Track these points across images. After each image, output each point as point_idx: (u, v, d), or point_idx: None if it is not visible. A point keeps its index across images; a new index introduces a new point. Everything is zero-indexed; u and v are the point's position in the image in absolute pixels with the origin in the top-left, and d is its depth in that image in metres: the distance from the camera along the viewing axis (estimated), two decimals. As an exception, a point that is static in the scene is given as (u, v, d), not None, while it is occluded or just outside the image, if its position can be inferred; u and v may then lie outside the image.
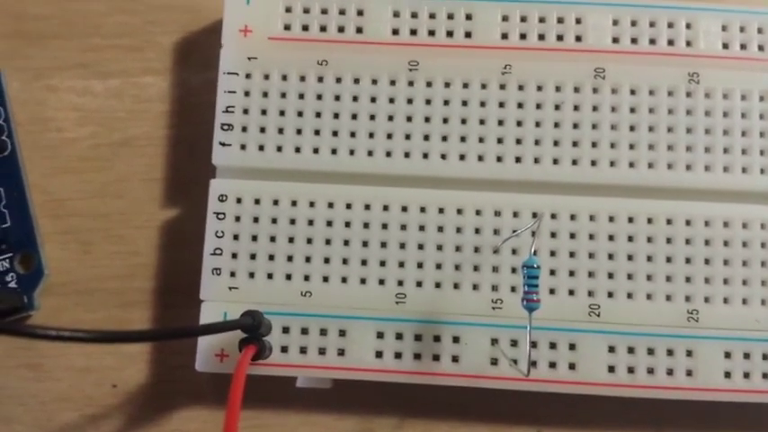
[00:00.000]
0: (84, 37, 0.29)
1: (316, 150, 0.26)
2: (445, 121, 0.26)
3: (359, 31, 0.27)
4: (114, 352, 0.27)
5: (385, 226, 0.26)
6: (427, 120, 0.26)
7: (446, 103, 0.26)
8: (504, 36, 0.27)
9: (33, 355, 0.27)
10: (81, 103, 0.29)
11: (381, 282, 0.26)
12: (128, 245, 0.28)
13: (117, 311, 0.27)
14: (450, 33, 0.27)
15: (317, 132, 0.26)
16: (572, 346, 0.25)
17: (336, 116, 0.26)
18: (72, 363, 0.27)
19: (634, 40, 0.27)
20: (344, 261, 0.26)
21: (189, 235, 0.27)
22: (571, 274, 0.26)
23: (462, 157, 0.26)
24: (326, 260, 0.26)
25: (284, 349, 0.25)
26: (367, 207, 0.26)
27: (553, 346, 0.25)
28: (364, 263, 0.26)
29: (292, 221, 0.26)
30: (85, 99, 0.29)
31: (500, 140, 0.26)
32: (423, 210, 0.26)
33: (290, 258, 0.26)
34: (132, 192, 0.28)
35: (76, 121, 0.29)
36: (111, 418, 0.27)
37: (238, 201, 0.26)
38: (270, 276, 0.26)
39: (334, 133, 0.26)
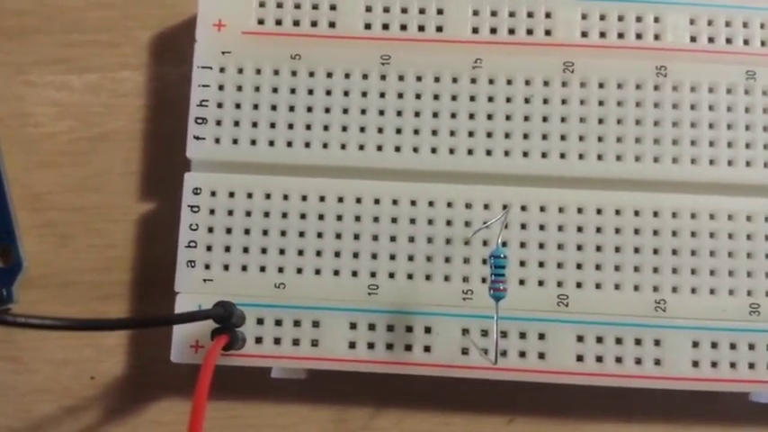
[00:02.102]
0: (62, 32, 0.29)
1: (289, 144, 0.27)
2: (417, 114, 0.27)
3: (331, 25, 0.27)
4: (92, 344, 0.28)
5: (358, 218, 0.26)
6: (399, 113, 0.27)
7: (418, 96, 0.27)
8: (475, 30, 0.27)
9: (12, 347, 0.28)
10: (59, 98, 0.29)
11: (354, 273, 0.26)
12: (105, 238, 0.28)
13: (94, 304, 0.28)
14: (421, 28, 0.27)
15: (290, 126, 0.27)
16: (541, 336, 0.25)
17: (310, 110, 0.27)
18: (50, 355, 0.28)
19: (603, 34, 0.27)
20: (318, 253, 0.26)
21: (165, 228, 0.27)
22: (540, 264, 0.26)
23: (434, 150, 0.26)
24: (300, 252, 0.26)
25: (259, 340, 0.26)
26: (340, 200, 0.26)
27: (523, 335, 0.26)
28: (337, 255, 0.26)
29: (266, 214, 0.26)
30: (63, 94, 0.29)
31: (471, 134, 0.26)
32: (395, 202, 0.26)
33: (264, 251, 0.26)
34: (109, 186, 0.28)
35: (55, 115, 0.29)
36: (90, 410, 0.28)
37: (213, 194, 0.26)
38: (244, 268, 0.26)
39: (308, 127, 0.27)
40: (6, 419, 0.27)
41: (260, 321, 0.26)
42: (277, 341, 0.26)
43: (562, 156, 0.26)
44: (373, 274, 0.26)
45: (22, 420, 0.27)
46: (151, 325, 0.25)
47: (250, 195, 0.26)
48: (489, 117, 0.26)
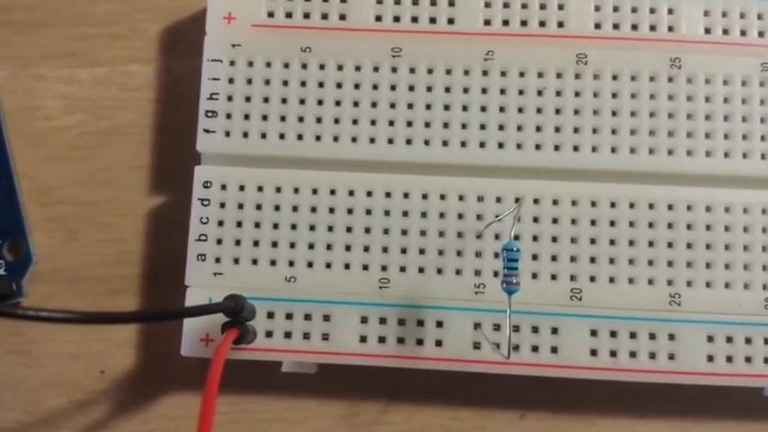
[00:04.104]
0: (71, 26, 0.29)
1: (300, 137, 0.26)
2: (428, 107, 0.26)
3: (342, 17, 0.27)
4: (102, 338, 0.28)
5: (369, 211, 0.26)
6: (410, 106, 0.26)
7: (429, 89, 0.26)
8: (487, 22, 0.27)
9: (22, 341, 0.28)
10: (68, 91, 0.29)
11: (365, 267, 0.26)
12: (114, 232, 0.28)
13: (104, 298, 0.28)
14: (433, 20, 0.27)
15: (300, 119, 0.26)
16: (554, 330, 0.25)
17: (320, 103, 0.26)
18: (60, 349, 0.28)
19: (616, 26, 0.27)
20: (329, 247, 0.26)
21: (175, 222, 0.27)
22: (553, 258, 0.26)
23: (445, 143, 0.26)
24: (311, 246, 0.26)
25: (269, 334, 0.26)
26: (351, 193, 0.26)
27: (535, 329, 0.25)
28: (348, 248, 0.26)
29: (277, 207, 0.26)
30: (73, 87, 0.29)
31: (483, 126, 0.26)
32: (406, 195, 0.26)
33: (274, 244, 0.26)
34: (119, 179, 0.28)
35: (64, 109, 0.29)
36: (99, 404, 0.27)
37: (223, 187, 0.26)
38: (254, 262, 0.26)
39: (318, 120, 0.26)
40: (16, 414, 0.27)
41: (270, 315, 0.26)
42: (287, 335, 0.26)
43: (575, 148, 0.26)
44: (384, 268, 0.26)
45: (31, 414, 0.27)
46: (161, 318, 0.25)
47: (260, 189, 0.26)
48: (501, 109, 0.26)
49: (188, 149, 0.27)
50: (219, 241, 0.26)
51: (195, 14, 0.29)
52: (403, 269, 0.26)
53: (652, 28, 0.27)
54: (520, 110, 0.26)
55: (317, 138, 0.26)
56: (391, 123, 0.26)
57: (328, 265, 0.26)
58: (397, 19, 0.27)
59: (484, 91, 0.26)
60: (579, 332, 0.25)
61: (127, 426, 0.27)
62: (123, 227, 0.28)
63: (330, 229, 0.26)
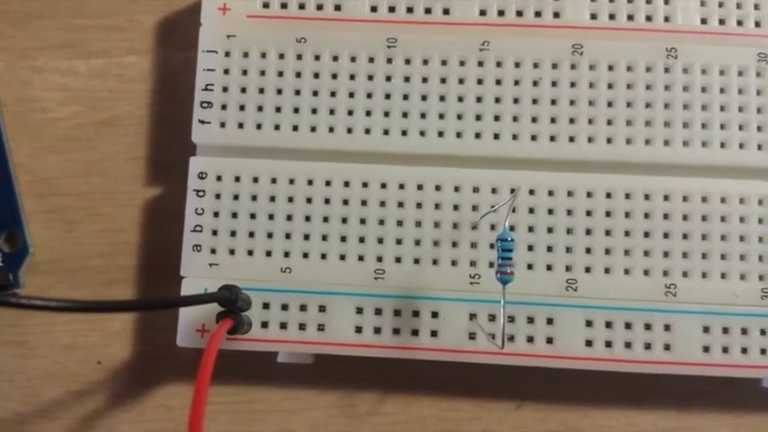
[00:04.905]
0: (68, 17, 0.29)
1: (295, 128, 0.26)
2: (424, 98, 0.26)
3: (337, 8, 0.27)
4: (99, 329, 0.28)
5: (364, 202, 0.26)
6: (406, 97, 0.26)
7: (424, 80, 0.26)
8: (483, 12, 0.27)
9: (19, 332, 0.28)
10: (65, 83, 0.29)
11: (361, 258, 0.26)
12: (111, 223, 0.28)
13: (101, 289, 0.28)
14: (428, 10, 0.27)
15: (296, 110, 0.26)
16: (549, 321, 0.25)
17: (315, 94, 0.26)
18: (58, 340, 0.28)
19: (612, 16, 0.27)
20: (324, 237, 0.26)
21: (171, 213, 0.27)
22: (549, 249, 0.26)
23: (441, 134, 0.26)
24: (306, 237, 0.26)
25: (265, 325, 0.26)
26: (346, 184, 0.26)
27: (531, 320, 0.25)
28: (344, 239, 0.26)
29: (272, 198, 0.26)
30: (69, 79, 0.29)
31: (478, 117, 0.26)
32: (401, 186, 0.26)
33: (269, 235, 0.26)
34: (115, 170, 0.28)
35: (61, 101, 0.29)
36: (97, 394, 0.28)
37: (218, 178, 0.26)
38: (250, 253, 0.26)
39: (314, 111, 0.26)
40: (13, 404, 0.28)
41: (266, 306, 0.26)
42: (283, 326, 0.26)
43: (571, 139, 0.26)
44: (380, 259, 0.26)
45: (29, 405, 0.28)
46: (156, 307, 0.25)
47: (256, 180, 0.26)
48: (497, 100, 0.26)
49: (183, 140, 0.27)
50: (215, 232, 0.26)
51: (191, 6, 0.29)
52: (398, 260, 0.26)
53: (648, 18, 0.26)
54: (516, 100, 0.26)
55: (313, 129, 0.26)
56: (387, 114, 0.26)
57: (324, 256, 0.26)
58: (392, 9, 0.27)
59: (479, 82, 0.26)
60: (574, 323, 0.25)
61: (124, 416, 0.27)
62: (119, 218, 0.28)
63: (325, 219, 0.26)
